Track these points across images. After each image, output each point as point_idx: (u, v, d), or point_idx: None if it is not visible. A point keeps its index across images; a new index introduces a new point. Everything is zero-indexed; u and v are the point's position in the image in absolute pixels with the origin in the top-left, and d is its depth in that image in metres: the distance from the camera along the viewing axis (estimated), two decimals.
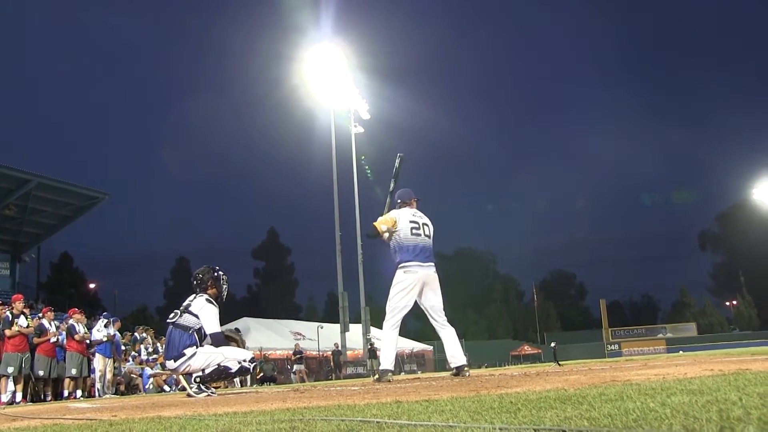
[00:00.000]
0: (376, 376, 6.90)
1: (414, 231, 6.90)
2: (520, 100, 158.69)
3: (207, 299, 6.86)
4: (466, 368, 6.78)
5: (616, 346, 56.51)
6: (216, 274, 7.11)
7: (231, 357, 6.64)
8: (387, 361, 6.72)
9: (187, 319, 6.75)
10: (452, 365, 6.82)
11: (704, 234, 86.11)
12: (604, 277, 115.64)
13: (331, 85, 34.30)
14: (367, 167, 34.69)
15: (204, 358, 6.58)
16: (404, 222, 6.88)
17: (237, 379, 20.42)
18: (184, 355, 6.60)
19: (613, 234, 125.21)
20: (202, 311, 6.76)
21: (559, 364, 8.98)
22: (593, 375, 4.43)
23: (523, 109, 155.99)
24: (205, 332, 6.70)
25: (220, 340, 6.77)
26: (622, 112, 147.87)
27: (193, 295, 7.00)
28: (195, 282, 7.10)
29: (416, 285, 6.81)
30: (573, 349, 48.48)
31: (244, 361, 6.68)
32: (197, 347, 6.61)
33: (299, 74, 35.52)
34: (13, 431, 3.12)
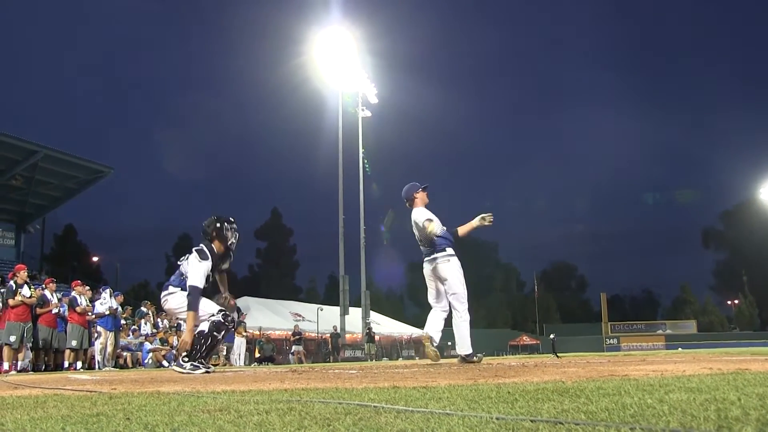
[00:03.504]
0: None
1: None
2: (525, 90, 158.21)
3: (199, 251, 6.73)
4: (472, 357, 7.07)
5: (615, 340, 56.60)
6: (219, 224, 6.94)
7: (200, 317, 6.60)
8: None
9: (184, 266, 6.82)
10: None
11: (708, 231, 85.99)
12: (605, 271, 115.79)
13: (340, 68, 34.17)
14: (366, 161, 34.61)
15: (181, 300, 6.59)
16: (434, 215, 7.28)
17: (238, 356, 20.62)
18: (167, 288, 6.79)
19: (615, 228, 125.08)
20: (189, 263, 6.73)
21: (558, 356, 9.00)
22: (591, 368, 4.43)
23: (527, 99, 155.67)
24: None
25: (195, 294, 6.56)
26: (627, 105, 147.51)
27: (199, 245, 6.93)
28: (202, 233, 7.02)
29: None
30: (571, 341, 48.61)
31: (212, 315, 6.58)
32: (182, 291, 6.64)
33: (308, 56, 35.40)
34: (15, 399, 3.13)
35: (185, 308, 6.55)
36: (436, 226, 7.08)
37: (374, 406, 2.09)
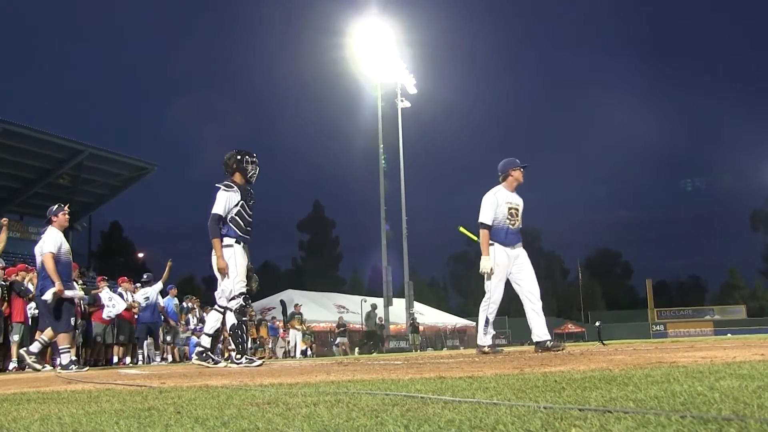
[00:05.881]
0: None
1: None
2: (565, 77, 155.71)
3: (224, 184, 6.70)
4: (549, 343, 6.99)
5: (662, 326, 55.58)
6: (239, 157, 6.86)
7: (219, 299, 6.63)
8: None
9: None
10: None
11: (756, 214, 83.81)
12: (650, 257, 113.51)
13: (378, 59, 34.16)
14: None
15: (228, 254, 6.55)
16: None
17: (293, 347, 20.91)
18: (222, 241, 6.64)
19: (659, 212, 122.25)
20: (215, 198, 6.69)
21: (604, 344, 8.90)
22: (638, 356, 4.37)
23: (568, 82, 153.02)
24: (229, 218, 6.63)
25: (214, 221, 6.55)
26: (673, 86, 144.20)
27: None
28: (223, 167, 6.94)
29: None
30: (617, 328, 47.90)
31: (233, 299, 6.53)
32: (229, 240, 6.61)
33: (347, 48, 35.46)
34: (69, 394, 3.22)
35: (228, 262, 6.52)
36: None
37: (421, 397, 2.09)
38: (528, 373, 3.06)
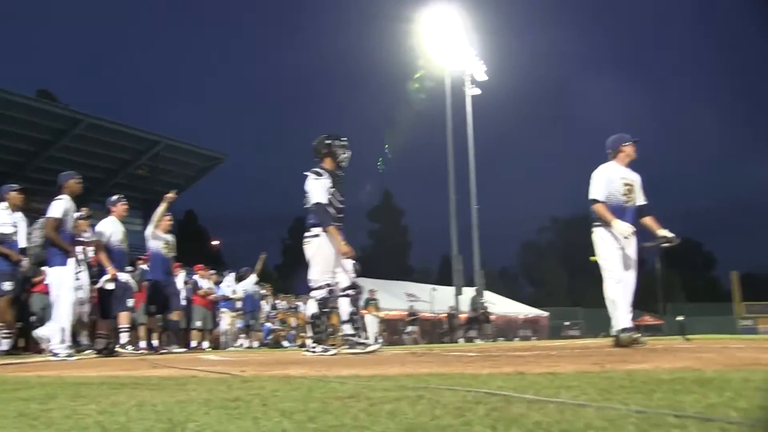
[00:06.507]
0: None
1: None
2: (638, 67, 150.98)
3: (313, 171, 6.61)
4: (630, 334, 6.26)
5: (751, 321, 53.03)
6: (329, 141, 6.74)
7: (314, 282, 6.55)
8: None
9: (307, 200, 6.67)
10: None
11: None
12: (735, 248, 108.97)
13: (447, 46, 33.88)
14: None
15: (315, 244, 6.51)
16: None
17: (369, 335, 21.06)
18: (309, 230, 6.61)
19: (744, 200, 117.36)
20: (308, 186, 6.61)
21: (687, 339, 8.61)
22: (729, 355, 4.19)
23: (640, 75, 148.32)
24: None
25: (321, 210, 6.44)
26: (747, 64, 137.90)
27: None
28: (313, 153, 6.84)
29: None
30: (699, 322, 46.08)
31: (321, 288, 6.48)
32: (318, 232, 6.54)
33: (416, 35, 35.26)
34: (158, 380, 3.33)
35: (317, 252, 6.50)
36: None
37: (504, 395, 2.06)
38: (611, 372, 2.97)
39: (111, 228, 8.91)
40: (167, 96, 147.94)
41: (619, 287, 6.40)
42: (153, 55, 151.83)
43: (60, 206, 7.71)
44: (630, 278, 6.56)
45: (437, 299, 32.11)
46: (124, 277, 8.99)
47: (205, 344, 14.61)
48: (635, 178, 6.62)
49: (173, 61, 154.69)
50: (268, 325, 18.08)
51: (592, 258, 6.85)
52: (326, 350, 6.46)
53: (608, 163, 6.61)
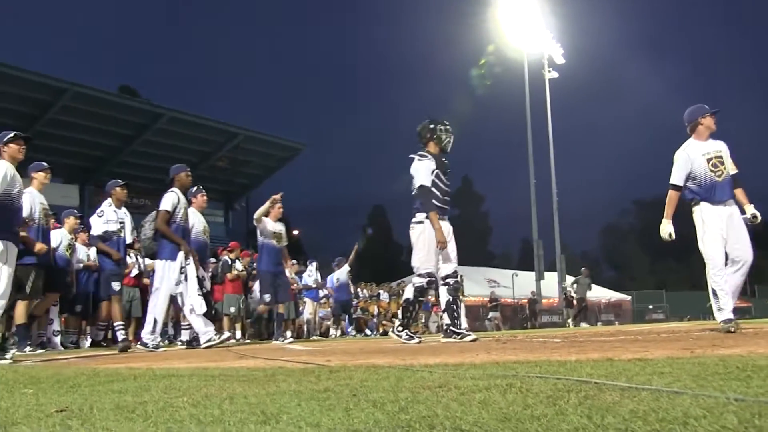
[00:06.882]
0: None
1: None
2: (723, 59, 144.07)
3: (418, 154, 6.62)
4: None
5: None
6: (433, 126, 6.72)
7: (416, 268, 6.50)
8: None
9: (413, 185, 6.62)
10: None
11: None
12: None
13: (525, 29, 33.43)
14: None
15: (418, 231, 6.47)
16: None
17: (436, 324, 21.08)
18: (414, 216, 6.57)
19: None
20: (413, 170, 6.60)
21: None
22: None
23: (726, 69, 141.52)
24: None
25: (423, 193, 6.43)
26: None
27: None
28: (417, 137, 6.84)
29: None
30: None
31: (421, 277, 6.44)
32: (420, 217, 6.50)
33: (493, 20, 34.88)
34: (246, 371, 3.42)
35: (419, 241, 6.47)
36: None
37: (595, 383, 2.04)
38: (702, 357, 2.89)
39: (192, 219, 9.00)
40: (246, 88, 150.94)
41: (719, 276, 5.95)
42: (231, 47, 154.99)
43: (170, 199, 7.92)
44: (742, 254, 6.01)
45: (518, 284, 31.80)
46: (201, 272, 9.18)
47: (288, 334, 14.88)
48: (721, 148, 6.22)
49: (250, 54, 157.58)
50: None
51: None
52: (411, 338, 6.47)
53: (687, 142, 6.29)
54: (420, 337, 6.75)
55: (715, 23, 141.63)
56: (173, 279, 7.79)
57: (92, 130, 26.90)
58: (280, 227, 10.38)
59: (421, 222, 6.47)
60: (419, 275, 6.48)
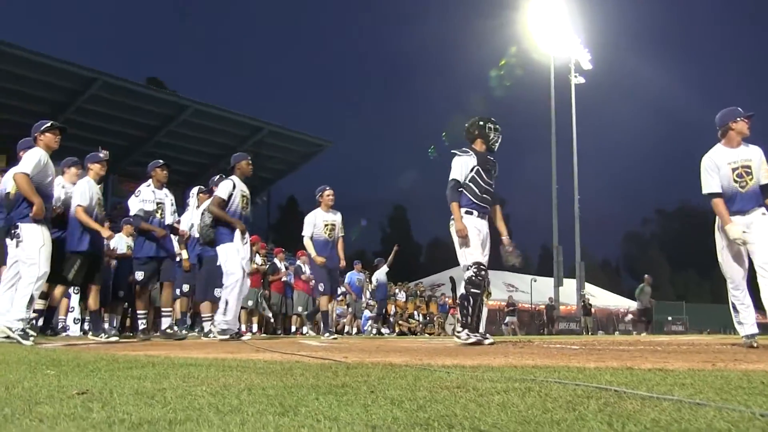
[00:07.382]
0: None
1: None
2: (753, 66, 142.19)
3: (460, 150, 6.57)
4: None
5: None
6: (482, 123, 6.67)
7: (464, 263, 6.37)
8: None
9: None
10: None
11: None
12: None
13: (552, 34, 33.29)
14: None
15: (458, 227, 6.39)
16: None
17: (452, 326, 21.04)
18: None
19: None
20: (452, 165, 6.56)
21: None
22: None
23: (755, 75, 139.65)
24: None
25: (451, 187, 6.43)
26: None
27: None
28: (465, 134, 6.80)
29: None
30: None
31: (467, 269, 6.34)
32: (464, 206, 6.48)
33: (520, 24, 34.80)
34: (263, 363, 3.43)
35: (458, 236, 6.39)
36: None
37: (615, 390, 2.02)
38: (725, 371, 2.85)
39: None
40: (271, 82, 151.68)
41: (738, 292, 5.80)
42: (258, 43, 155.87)
43: (226, 186, 8.07)
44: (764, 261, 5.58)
45: (537, 290, 31.63)
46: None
47: (305, 329, 14.92)
48: (752, 156, 5.81)
49: (278, 49, 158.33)
50: (367, 312, 18.29)
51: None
52: (468, 337, 6.09)
53: (713, 149, 5.94)
54: (488, 337, 6.37)
55: (746, 25, 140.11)
56: (238, 260, 7.85)
57: (119, 120, 27.20)
58: (332, 218, 9.93)
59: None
60: (466, 267, 6.36)
